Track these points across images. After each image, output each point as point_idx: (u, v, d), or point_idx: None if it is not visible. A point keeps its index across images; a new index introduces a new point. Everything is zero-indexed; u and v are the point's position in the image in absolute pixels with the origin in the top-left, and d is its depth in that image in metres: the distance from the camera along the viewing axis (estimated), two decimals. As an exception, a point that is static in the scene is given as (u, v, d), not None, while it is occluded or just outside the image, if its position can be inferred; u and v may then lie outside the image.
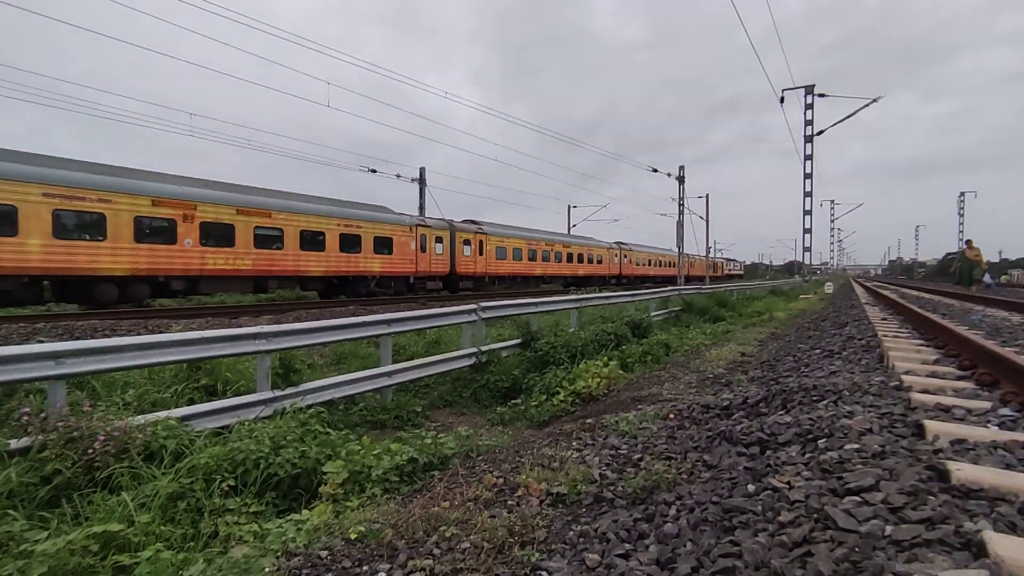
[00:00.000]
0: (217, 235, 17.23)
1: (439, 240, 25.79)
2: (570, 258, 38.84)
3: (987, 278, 22.52)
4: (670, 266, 50.93)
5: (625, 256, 47.38)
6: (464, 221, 29.25)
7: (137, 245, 15.43)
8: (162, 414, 4.62)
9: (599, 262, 42.76)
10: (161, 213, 15.98)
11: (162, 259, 15.99)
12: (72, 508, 3.57)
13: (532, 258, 33.89)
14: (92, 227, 14.61)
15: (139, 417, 4.41)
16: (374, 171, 30.48)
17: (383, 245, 22.84)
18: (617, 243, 47.53)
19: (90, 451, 3.87)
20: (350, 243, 21.51)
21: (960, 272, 22.28)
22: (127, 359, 4.68)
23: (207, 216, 16.97)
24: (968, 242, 22.30)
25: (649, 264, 52.63)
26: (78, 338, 8.80)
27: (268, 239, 18.59)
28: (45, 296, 15.27)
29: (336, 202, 22.09)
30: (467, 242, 27.67)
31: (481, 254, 28.69)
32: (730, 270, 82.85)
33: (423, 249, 24.70)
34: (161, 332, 9.18)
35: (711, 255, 56.24)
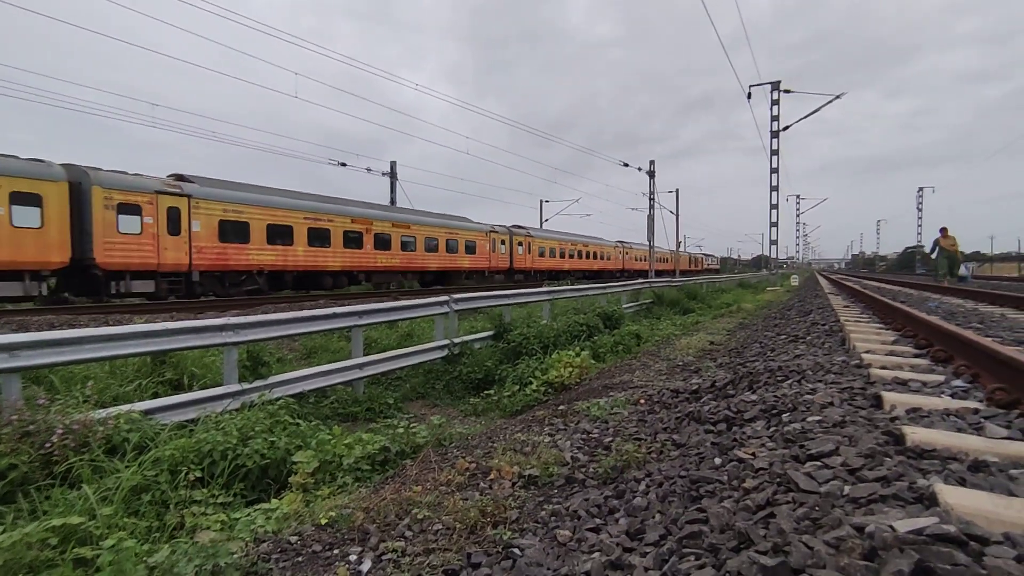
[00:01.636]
0: (382, 242, 24.94)
1: (503, 242, 34.48)
2: (588, 255, 46.33)
3: (963, 269, 20.70)
4: (664, 261, 58.39)
5: (627, 253, 53.91)
6: (514, 226, 36.88)
7: (344, 250, 23.05)
8: (125, 408, 4.48)
9: (608, 258, 49.97)
10: (356, 228, 23.61)
11: (355, 259, 23.59)
12: (29, 503, 3.44)
13: (562, 256, 41.92)
14: (323, 238, 22.12)
15: (100, 411, 4.28)
16: (344, 164, 30.11)
17: (469, 247, 31.01)
18: (619, 242, 53.66)
19: (47, 445, 3.74)
20: (451, 247, 29.62)
21: (938, 263, 19.86)
22: (86, 351, 4.53)
23: (377, 229, 24.71)
24: (943, 230, 19.83)
25: (646, 260, 59.39)
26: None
27: (407, 244, 26.48)
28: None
29: (442, 215, 30.30)
30: (520, 243, 36.38)
31: (529, 252, 37.39)
32: (708, 264, 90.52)
33: (493, 249, 33.27)
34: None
35: (683, 249, 59.02)
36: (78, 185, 15.15)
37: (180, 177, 18.48)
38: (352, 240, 23.41)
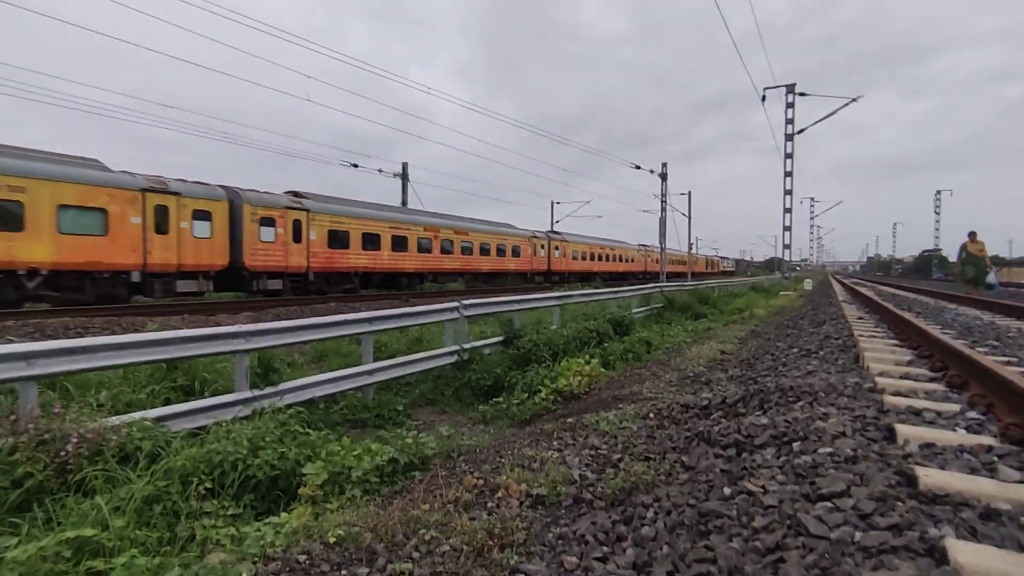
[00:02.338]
0: (446, 247, 29.13)
1: (542, 247, 38.67)
2: (615, 258, 50.24)
3: (991, 277, 18.00)
4: (682, 264, 61.93)
5: (648, 255, 57.40)
6: (550, 232, 41.31)
7: (418, 254, 27.06)
8: (137, 415, 4.54)
9: (632, 261, 54.06)
10: (426, 235, 27.71)
11: (426, 262, 27.83)
12: (44, 512, 3.50)
13: (592, 259, 45.77)
14: (403, 245, 26.08)
15: (114, 418, 4.34)
16: (356, 166, 30.26)
17: (515, 251, 35.41)
18: (641, 245, 57.37)
19: (63, 453, 3.80)
20: (500, 251, 34.05)
21: (964, 271, 17.77)
22: (101, 359, 4.60)
23: (443, 236, 28.92)
24: (971, 234, 17.63)
25: (671, 262, 66.89)
26: (49, 336, 8.62)
27: (466, 249, 30.77)
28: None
29: (492, 223, 34.39)
30: (556, 248, 40.35)
31: (564, 256, 41.34)
32: (723, 267, 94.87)
33: (535, 253, 37.62)
34: (136, 330, 9.03)
35: (697, 252, 60.20)
36: (232, 203, 18.95)
37: (297, 194, 22.27)
38: (423, 246, 27.76)
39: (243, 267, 19.04)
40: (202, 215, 17.87)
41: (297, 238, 20.85)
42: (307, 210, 21.39)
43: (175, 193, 17.24)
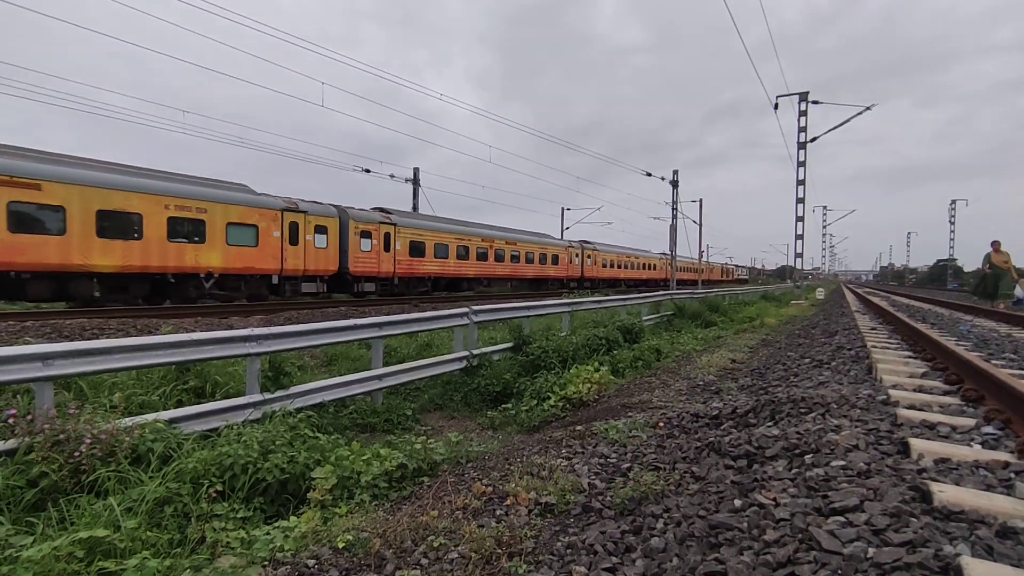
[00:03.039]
0: (499, 256, 33.18)
1: (576, 256, 42.17)
2: (639, 266, 53.56)
3: (1019, 291, 16.95)
4: (699, 272, 64.19)
5: (669, 264, 60.95)
6: (582, 241, 44.17)
7: (477, 262, 31.22)
8: (150, 416, 4.59)
9: (654, 268, 57.08)
10: (483, 245, 31.73)
11: (483, 269, 31.83)
12: (58, 512, 3.54)
13: (619, 267, 49.00)
14: (465, 254, 30.13)
15: (127, 419, 4.39)
16: (368, 171, 30.46)
17: (554, 259, 39.08)
18: (663, 253, 58.48)
19: (76, 454, 3.84)
20: (542, 259, 37.83)
21: (985, 282, 17.20)
22: (116, 361, 4.65)
23: (496, 246, 32.90)
24: (995, 244, 16.94)
25: (688, 270, 69.41)
26: (67, 337, 8.73)
27: (515, 257, 35.01)
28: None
29: (535, 234, 38.30)
30: (588, 256, 43.79)
31: (595, 264, 44.71)
32: (737, 275, 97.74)
33: (570, 261, 41.16)
34: (150, 332, 9.12)
35: (708, 260, 61.48)
36: (341, 219, 22.74)
37: (385, 210, 25.89)
38: (481, 254, 31.58)
39: (348, 272, 23.10)
40: (321, 229, 21.87)
41: (386, 248, 24.85)
42: (394, 224, 25.37)
43: (303, 212, 21.04)
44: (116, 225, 15.61)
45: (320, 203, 22.26)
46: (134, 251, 15.96)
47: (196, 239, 17.51)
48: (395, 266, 25.31)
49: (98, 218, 15.18)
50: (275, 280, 20.37)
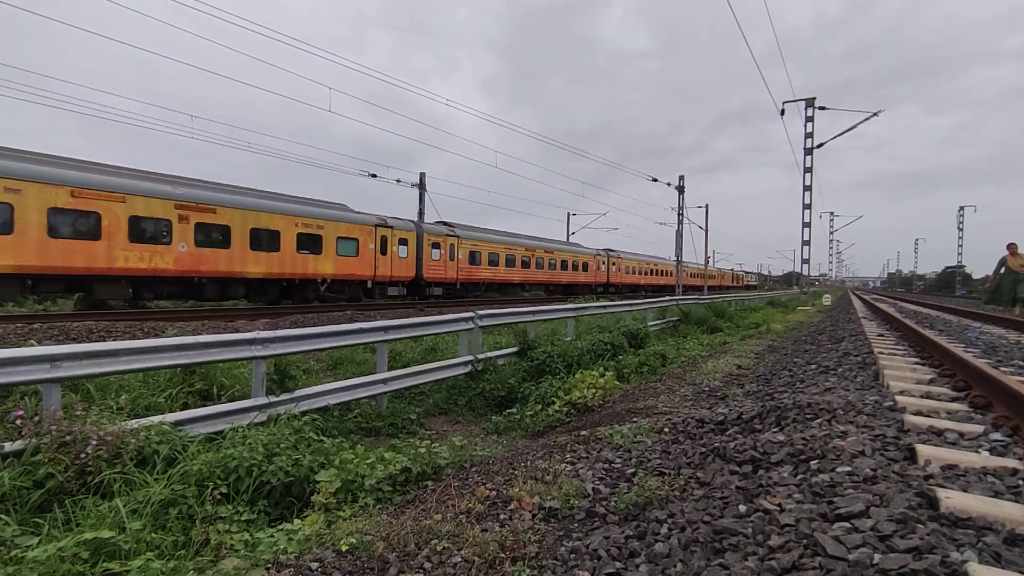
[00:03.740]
0: (539, 263, 37.29)
1: (603, 263, 45.45)
2: (656, 272, 56.80)
3: None
4: (711, 278, 67.77)
5: (685, 269, 65.08)
6: (607, 250, 47.39)
7: (521, 269, 35.27)
8: (156, 419, 4.61)
9: (670, 275, 57.78)
10: (527, 254, 35.89)
11: (526, 275, 35.88)
12: (64, 513, 3.55)
13: (640, 273, 52.52)
14: (512, 262, 34.21)
15: (133, 421, 4.40)
16: (374, 176, 30.59)
17: (584, 267, 42.93)
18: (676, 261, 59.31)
19: (83, 455, 3.86)
20: (575, 266, 41.66)
21: (1000, 287, 16.29)
22: (123, 363, 4.68)
23: (537, 255, 37.04)
24: (1011, 247, 16.07)
25: (700, 276, 72.74)
26: (74, 339, 8.79)
27: (552, 264, 38.68)
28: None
29: (568, 243, 43.59)
30: (613, 263, 47.29)
31: (618, 271, 48.26)
32: (747, 281, 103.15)
33: (599, 268, 44.91)
34: (157, 335, 9.17)
35: (714, 265, 62.67)
36: (417, 232, 27.11)
37: (448, 224, 30.32)
38: (524, 262, 35.79)
39: (422, 279, 27.33)
40: (403, 241, 26.11)
41: (451, 257, 29.27)
42: (457, 236, 29.71)
43: (391, 227, 25.16)
44: (263, 240, 19.78)
45: (401, 219, 26.71)
46: (274, 261, 20.13)
47: (315, 251, 21.61)
48: (458, 272, 29.88)
49: (251, 235, 19.28)
50: (369, 285, 24.74)
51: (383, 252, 24.63)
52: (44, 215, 13.96)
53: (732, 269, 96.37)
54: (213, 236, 18.05)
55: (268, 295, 20.66)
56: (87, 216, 14.91)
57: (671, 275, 56.53)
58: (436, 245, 27.97)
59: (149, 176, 17.37)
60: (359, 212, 24.23)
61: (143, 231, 16.16)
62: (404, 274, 26.05)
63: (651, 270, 55.03)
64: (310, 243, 21.33)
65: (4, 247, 13.36)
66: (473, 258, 31.01)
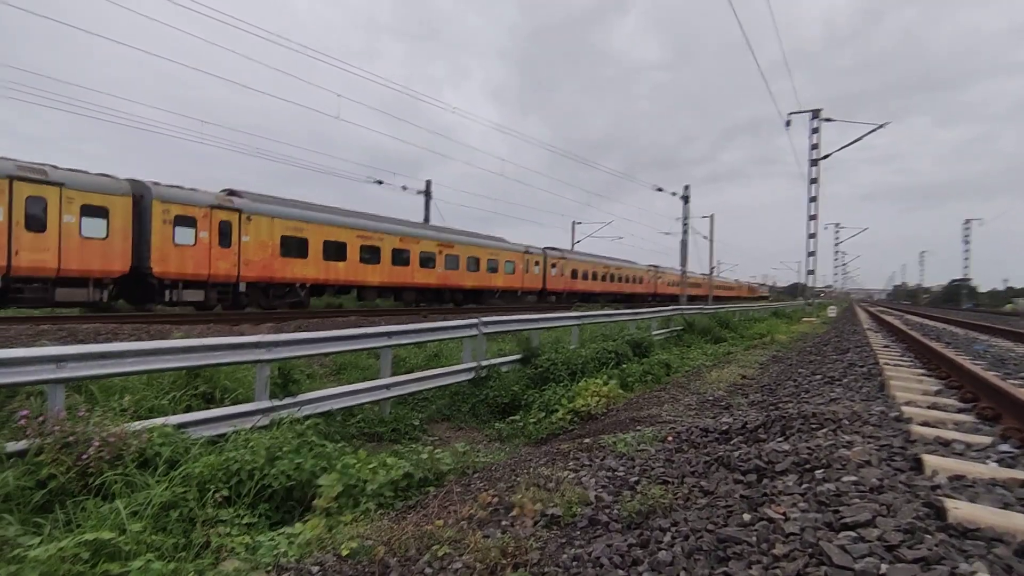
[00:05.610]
0: (614, 278, 47.54)
1: (653, 276, 53.91)
2: (614, 278, 59.54)
3: None
4: (729, 289, 72.60)
5: (712, 282, 67.91)
6: (652, 265, 54.84)
7: (601, 282, 44.94)
8: (158, 421, 4.60)
9: (701, 287, 61.65)
10: (595, 270, 44.37)
11: (603, 286, 45.23)
12: (65, 514, 3.55)
13: (594, 278, 53.53)
14: (592, 276, 44.15)
15: (136, 423, 4.40)
16: (380, 182, 30.76)
17: (639, 279, 52.05)
18: (704, 275, 63.42)
19: (85, 456, 3.86)
20: (634, 279, 51.29)
21: None
22: (128, 365, 4.69)
23: (612, 272, 47.40)
24: None
25: (729, 288, 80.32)
26: (81, 341, 8.82)
27: (620, 279, 48.42)
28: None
29: (628, 261, 51.68)
30: (658, 277, 54.91)
31: (663, 283, 55.48)
32: (760, 293, 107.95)
33: (648, 280, 52.88)
34: (162, 338, 9.19)
35: (714, 274, 64.12)
36: (545, 255, 38.09)
37: (555, 249, 40.04)
38: (604, 277, 45.33)
39: (546, 289, 38.53)
40: (537, 263, 37.41)
41: (546, 271, 38.49)
42: (563, 257, 40.17)
43: (531, 252, 36.59)
44: (474, 264, 30.76)
45: (535, 247, 37.20)
46: (478, 278, 31.57)
47: (495, 271, 33.14)
48: (546, 283, 38.95)
49: (468, 261, 30.48)
50: (519, 294, 35.93)
51: (526, 271, 36.24)
52: (391, 253, 25.51)
53: (748, 282, 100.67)
54: (371, 255, 24.75)
55: (476, 300, 31.64)
56: (403, 252, 26.31)
57: (701, 286, 58.10)
58: (537, 263, 37.72)
59: (415, 224, 29.03)
60: (515, 244, 35.87)
61: (426, 260, 27.68)
62: (536, 286, 37.41)
63: (612, 275, 49.30)
64: (494, 266, 32.67)
65: (376, 272, 24.83)
66: (559, 270, 40.37)
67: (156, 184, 16.79)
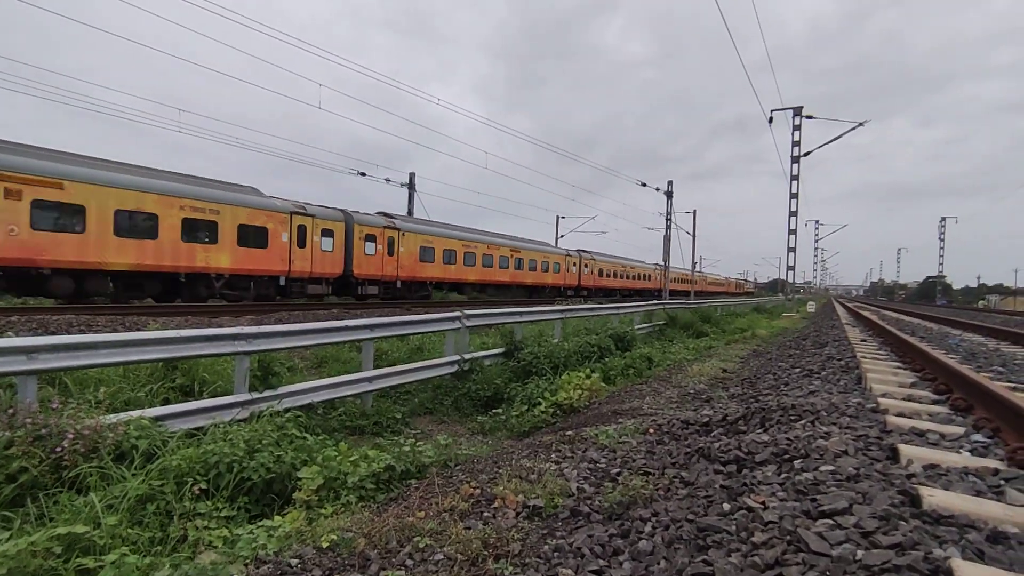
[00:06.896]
0: (629, 275, 53.77)
1: (656, 274, 57.14)
2: (688, 282, 65.13)
3: None
4: (719, 285, 75.81)
5: (705, 279, 72.18)
6: (657, 264, 57.81)
7: (627, 280, 53.13)
8: (135, 413, 4.52)
9: (695, 283, 64.21)
10: (622, 270, 52.62)
11: (625, 283, 52.64)
12: (37, 508, 3.47)
13: (680, 282, 62.17)
14: (616, 275, 51.11)
15: (111, 416, 4.31)
16: (363, 174, 30.48)
17: (648, 277, 57.68)
18: (699, 272, 66.94)
19: (58, 449, 3.77)
20: (644, 277, 56.72)
21: None
22: (103, 356, 4.59)
23: (629, 271, 54.10)
24: None
25: (720, 285, 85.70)
26: (53, 333, 8.62)
27: (635, 276, 54.67)
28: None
29: (640, 261, 57.56)
30: (660, 274, 56.07)
31: (666, 279, 56.91)
32: (747, 288, 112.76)
33: (656, 278, 56.24)
34: (138, 329, 9.02)
35: (697, 270, 65.53)
36: (564, 255, 41.92)
37: (585, 251, 45.54)
38: (629, 276, 52.37)
39: (580, 285, 43.26)
40: (575, 265, 42.36)
41: (580, 271, 43.48)
42: (580, 256, 44.08)
43: (575, 256, 42.38)
44: (503, 262, 34.04)
45: (572, 250, 43.31)
46: (518, 274, 36.08)
47: (546, 271, 39.06)
48: (581, 280, 44.05)
49: (518, 262, 35.77)
50: (562, 290, 40.33)
51: (568, 269, 41.97)
52: (481, 258, 31.87)
53: (736, 278, 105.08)
54: (518, 264, 35.52)
55: (487, 294, 33.13)
56: (490, 257, 33.04)
57: (696, 284, 60.87)
58: (575, 264, 43.38)
59: (493, 235, 34.04)
60: (559, 248, 42.60)
61: (503, 262, 34.43)
62: (573, 283, 42.54)
63: (628, 274, 54.81)
64: (546, 267, 38.62)
65: (473, 273, 31.18)
66: (602, 273, 48.30)
67: (356, 212, 24.27)
